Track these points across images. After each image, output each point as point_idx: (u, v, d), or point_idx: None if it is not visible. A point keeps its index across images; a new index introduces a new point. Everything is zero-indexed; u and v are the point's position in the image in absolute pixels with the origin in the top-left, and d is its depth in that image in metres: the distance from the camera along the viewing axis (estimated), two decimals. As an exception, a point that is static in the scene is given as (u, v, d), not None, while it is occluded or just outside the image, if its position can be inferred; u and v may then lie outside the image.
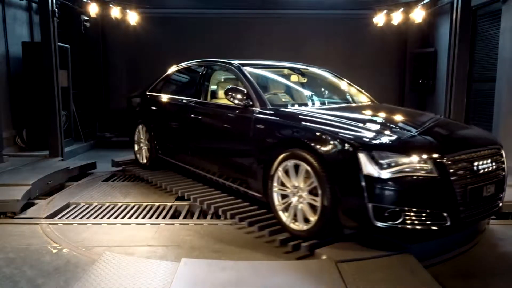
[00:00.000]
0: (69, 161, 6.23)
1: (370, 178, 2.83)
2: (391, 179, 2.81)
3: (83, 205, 4.48)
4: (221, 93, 4.67)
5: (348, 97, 4.83)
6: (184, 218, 4.23)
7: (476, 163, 3.06)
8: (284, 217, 3.43)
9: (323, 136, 3.14)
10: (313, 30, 9.09)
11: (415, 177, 2.84)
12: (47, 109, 6.27)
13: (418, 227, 2.86)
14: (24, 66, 7.03)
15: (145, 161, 5.65)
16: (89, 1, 7.90)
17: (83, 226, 3.89)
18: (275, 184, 3.48)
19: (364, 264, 3.03)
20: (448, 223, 2.88)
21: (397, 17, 8.44)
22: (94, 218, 4.14)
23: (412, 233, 2.91)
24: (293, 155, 3.30)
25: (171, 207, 4.45)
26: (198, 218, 4.24)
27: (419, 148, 2.97)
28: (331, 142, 3.07)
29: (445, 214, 2.88)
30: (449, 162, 2.92)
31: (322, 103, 4.50)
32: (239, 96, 3.89)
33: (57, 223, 3.96)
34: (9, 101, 6.98)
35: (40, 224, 3.92)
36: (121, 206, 4.47)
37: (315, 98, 4.63)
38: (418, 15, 8.18)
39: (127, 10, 8.48)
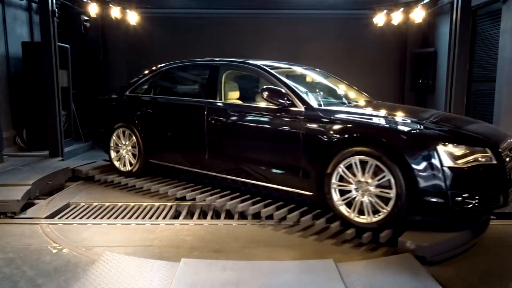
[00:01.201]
0: (69, 161, 6.23)
1: (449, 169, 3.19)
2: (466, 168, 3.20)
3: (83, 205, 4.49)
4: (238, 94, 4.66)
5: (354, 96, 4.86)
6: (184, 218, 4.23)
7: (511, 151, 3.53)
8: (346, 212, 3.56)
9: (398, 133, 3.39)
10: (313, 30, 9.08)
11: (482, 165, 3.24)
12: (47, 109, 6.27)
13: (483, 208, 3.27)
14: (24, 66, 7.03)
15: (129, 168, 5.23)
16: (89, 1, 7.89)
17: (83, 226, 3.89)
18: (333, 181, 3.58)
19: (364, 264, 3.04)
20: (501, 203, 3.32)
21: (397, 17, 8.43)
22: (94, 218, 4.14)
23: (475, 213, 3.45)
24: (360, 152, 3.43)
25: (171, 207, 4.45)
26: (198, 218, 4.24)
27: (481, 140, 3.36)
28: (407, 138, 3.34)
29: (500, 195, 3.30)
30: (503, 151, 3.35)
31: (349, 102, 4.53)
32: (277, 96, 3.90)
33: (57, 223, 3.96)
34: (9, 101, 6.98)
35: (40, 224, 3.92)
36: (121, 206, 4.48)
37: (337, 97, 4.67)
38: (418, 15, 8.18)
39: (127, 10, 8.47)
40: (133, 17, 8.54)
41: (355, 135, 3.53)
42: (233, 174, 4.41)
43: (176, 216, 4.31)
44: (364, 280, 2.74)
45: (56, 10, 6.24)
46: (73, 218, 4.15)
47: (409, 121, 3.63)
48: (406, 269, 2.89)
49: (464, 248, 3.30)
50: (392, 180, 3.29)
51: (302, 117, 3.82)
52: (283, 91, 3.97)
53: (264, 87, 3.96)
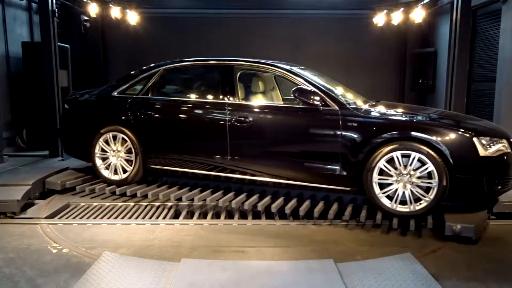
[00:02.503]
0: (69, 161, 6.22)
1: (484, 158, 3.65)
2: (495, 157, 3.69)
3: (83, 205, 4.48)
4: (257, 95, 4.71)
5: (351, 96, 4.87)
6: (184, 218, 4.23)
7: None
8: (389, 203, 3.82)
9: (439, 129, 3.75)
10: (313, 30, 9.08)
11: (504, 153, 3.74)
12: (47, 109, 6.27)
13: (503, 191, 3.84)
14: (24, 66, 7.03)
15: (122, 175, 4.73)
16: (89, 1, 7.89)
17: (83, 226, 3.89)
18: (374, 175, 3.82)
19: (364, 264, 3.04)
20: (511, 187, 3.90)
21: (397, 17, 8.43)
22: (94, 218, 4.14)
23: (495, 196, 3.94)
24: (405, 147, 3.74)
25: (171, 207, 4.45)
26: (198, 218, 4.23)
27: (500, 132, 3.93)
28: (448, 133, 3.73)
29: (511, 179, 3.85)
30: None
31: (348, 103, 4.49)
32: (311, 96, 4.03)
33: (57, 223, 3.96)
34: (9, 101, 6.98)
35: (40, 224, 3.92)
36: (121, 206, 4.47)
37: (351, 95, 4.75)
38: (418, 15, 8.18)
39: (127, 10, 8.47)
40: (133, 17, 8.55)
41: (398, 132, 3.80)
42: (256, 175, 4.32)
43: (176, 216, 4.30)
44: (364, 280, 2.75)
45: (56, 10, 6.24)
46: (73, 218, 4.15)
47: (445, 118, 4.15)
48: (406, 269, 2.89)
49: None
50: (435, 171, 3.65)
51: (340, 116, 3.97)
52: (316, 91, 4.09)
53: (297, 87, 4.08)
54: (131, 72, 5.10)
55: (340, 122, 3.95)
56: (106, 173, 4.83)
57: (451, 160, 3.64)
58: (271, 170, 4.27)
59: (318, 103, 4.03)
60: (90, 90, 5.32)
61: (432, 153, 3.66)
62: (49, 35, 6.10)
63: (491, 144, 3.73)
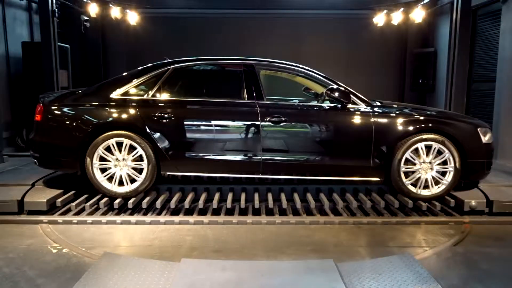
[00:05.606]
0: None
1: (485, 144, 4.37)
2: (490, 143, 4.42)
3: (84, 205, 4.47)
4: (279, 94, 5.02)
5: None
6: (184, 214, 4.21)
7: None
8: (414, 189, 4.33)
9: (455, 123, 4.41)
10: (313, 30, 9.09)
11: (492, 140, 4.48)
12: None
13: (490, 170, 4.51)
14: (24, 66, 7.03)
15: (131, 187, 4.31)
16: (89, 1, 7.90)
17: (84, 226, 3.89)
18: (402, 165, 4.29)
19: (364, 264, 3.04)
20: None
21: (397, 17, 8.44)
22: (94, 218, 4.13)
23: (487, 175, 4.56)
24: (426, 139, 4.27)
25: (171, 206, 4.44)
26: (198, 214, 4.23)
27: (485, 124, 4.58)
28: (462, 126, 4.41)
29: None
30: None
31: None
32: (343, 95, 4.29)
33: (57, 223, 3.96)
34: (9, 101, 6.98)
35: (40, 224, 3.92)
36: (121, 206, 4.47)
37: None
38: (418, 15, 8.18)
39: (127, 10, 8.48)
40: (133, 17, 8.56)
41: (423, 125, 4.31)
42: (287, 174, 4.43)
43: (176, 216, 4.29)
44: (364, 280, 2.75)
45: (56, 10, 6.25)
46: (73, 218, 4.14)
47: (454, 114, 4.93)
48: (406, 269, 2.89)
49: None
50: (451, 158, 4.27)
51: (371, 113, 4.34)
52: (346, 90, 4.35)
53: (330, 87, 4.35)
54: (124, 74, 4.70)
55: (372, 119, 4.31)
56: (108, 186, 4.32)
57: (465, 148, 4.26)
58: (304, 168, 4.42)
59: (350, 101, 4.32)
60: (74, 90, 4.85)
61: (450, 143, 4.25)
62: (49, 35, 6.11)
63: (485, 133, 4.39)
